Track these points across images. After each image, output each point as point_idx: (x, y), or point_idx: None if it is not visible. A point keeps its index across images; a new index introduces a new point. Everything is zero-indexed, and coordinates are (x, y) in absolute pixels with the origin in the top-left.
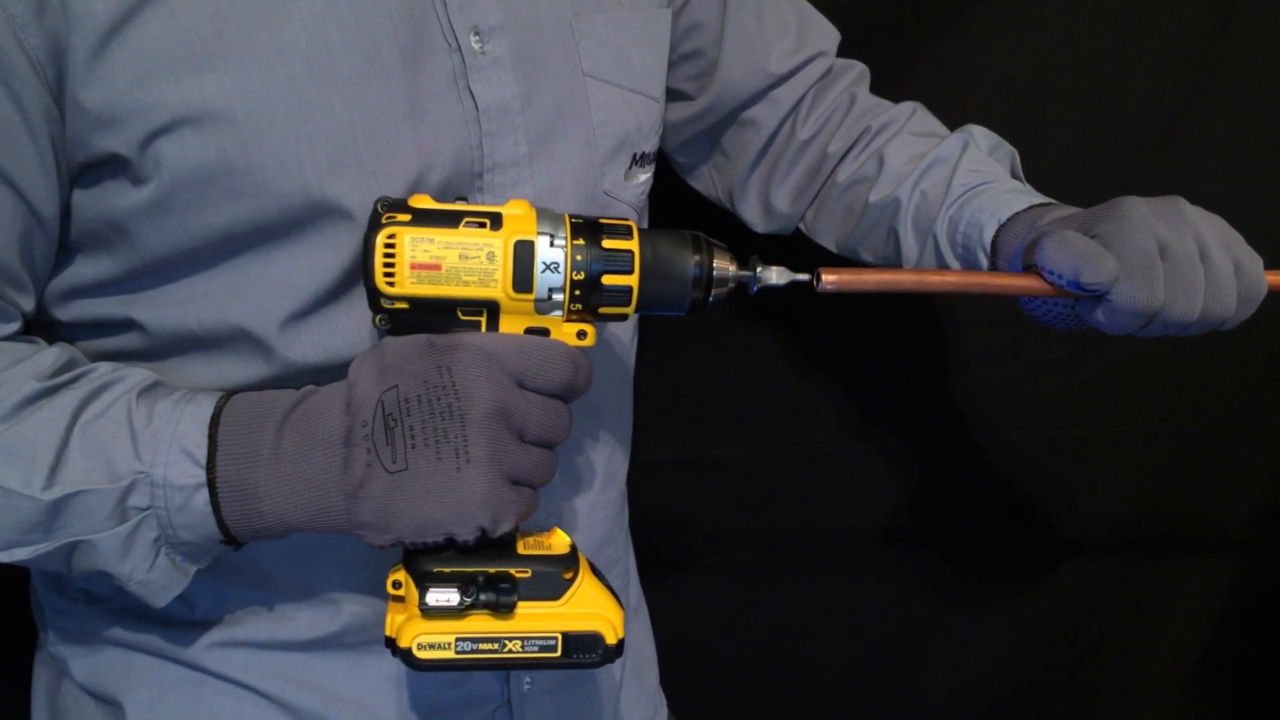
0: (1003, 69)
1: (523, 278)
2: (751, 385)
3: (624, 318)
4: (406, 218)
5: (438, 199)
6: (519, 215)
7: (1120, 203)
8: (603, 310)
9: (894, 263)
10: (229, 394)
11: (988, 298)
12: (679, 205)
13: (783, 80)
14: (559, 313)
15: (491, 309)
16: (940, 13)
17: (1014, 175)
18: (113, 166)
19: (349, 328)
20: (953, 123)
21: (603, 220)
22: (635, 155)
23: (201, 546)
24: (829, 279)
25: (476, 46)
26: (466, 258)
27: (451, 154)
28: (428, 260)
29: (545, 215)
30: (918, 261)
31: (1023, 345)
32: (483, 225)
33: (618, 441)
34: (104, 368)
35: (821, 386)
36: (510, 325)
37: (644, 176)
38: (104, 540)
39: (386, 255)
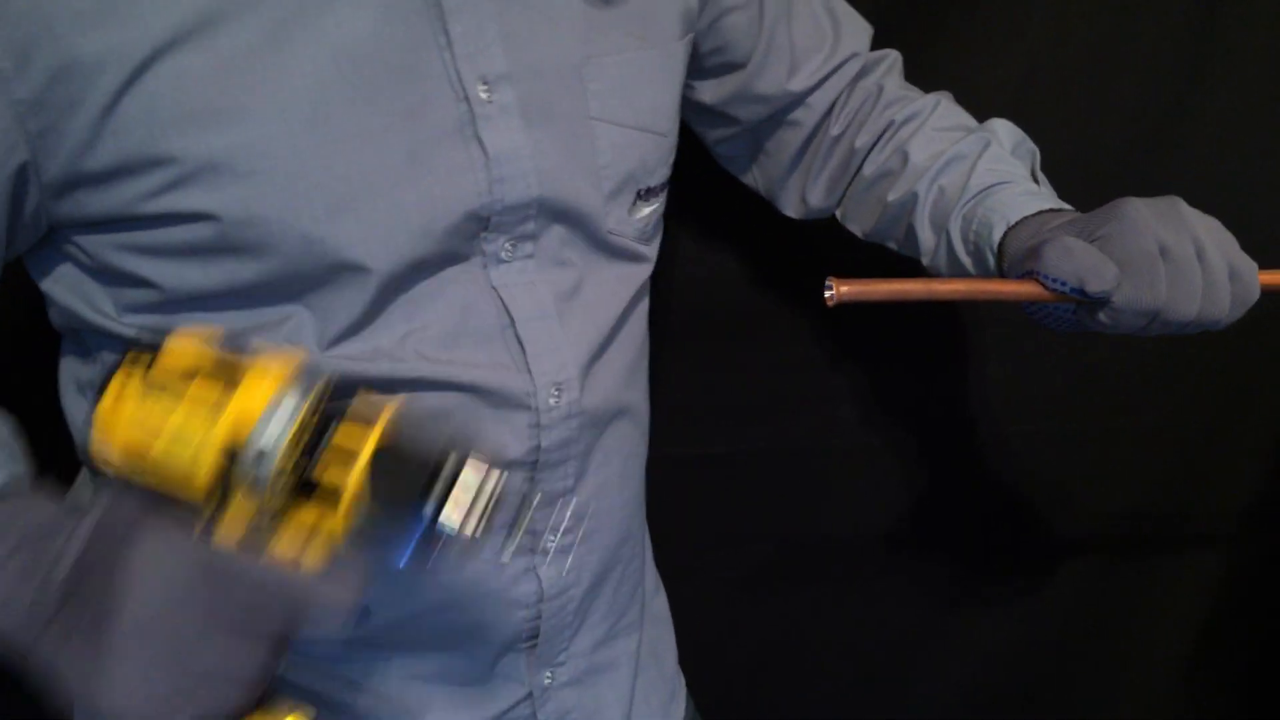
0: (993, 73)
1: (223, 489)
2: (757, 382)
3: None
4: (139, 375)
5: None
6: (251, 393)
7: (1121, 204)
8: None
9: (914, 255)
10: None
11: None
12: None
13: (816, 88)
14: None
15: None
16: (931, 16)
17: (1033, 175)
18: (119, 219)
19: (364, 355)
20: None
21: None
22: (640, 191)
23: None
24: (843, 289)
25: (484, 96)
26: (172, 453)
27: (459, 201)
28: (137, 440)
29: (279, 407)
30: (934, 254)
31: (1020, 341)
32: (207, 408)
33: (638, 441)
34: None
35: (823, 384)
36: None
37: (648, 209)
38: None
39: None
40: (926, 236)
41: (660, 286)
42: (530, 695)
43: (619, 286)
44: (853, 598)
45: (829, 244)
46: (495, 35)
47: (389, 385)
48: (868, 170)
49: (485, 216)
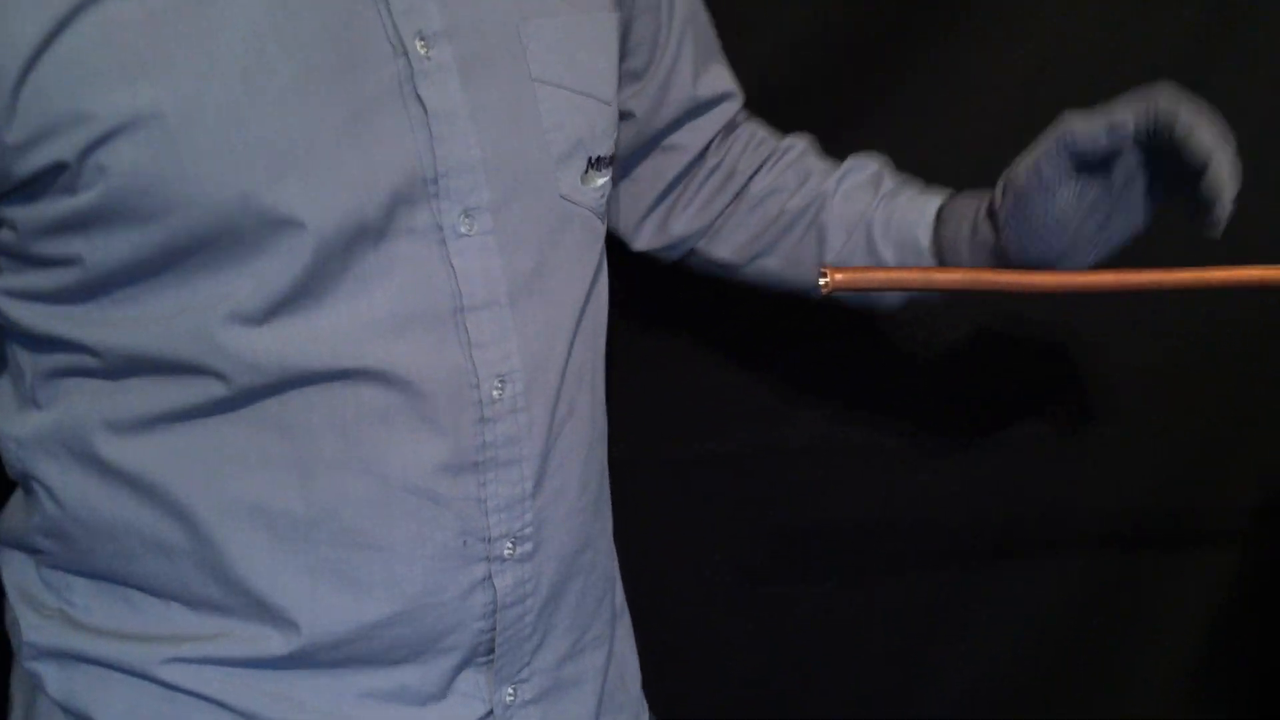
0: (1002, 68)
1: None
2: (751, 381)
3: None
4: None
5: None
6: None
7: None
8: None
9: (800, 261)
10: None
11: (987, 295)
12: None
13: (706, 108)
14: None
15: None
16: (939, 12)
17: None
18: (53, 175)
19: (306, 338)
20: (955, 123)
21: None
22: (591, 159)
23: None
24: (837, 277)
25: (422, 51)
26: None
27: (400, 160)
28: None
29: None
30: (839, 251)
31: (1019, 342)
32: None
33: (596, 442)
34: None
35: (817, 383)
36: None
37: (601, 180)
38: None
39: None
40: (836, 234)
41: (652, 284)
42: (491, 713)
43: (578, 269)
44: (850, 600)
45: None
46: None
47: (328, 377)
48: (757, 187)
49: (429, 179)
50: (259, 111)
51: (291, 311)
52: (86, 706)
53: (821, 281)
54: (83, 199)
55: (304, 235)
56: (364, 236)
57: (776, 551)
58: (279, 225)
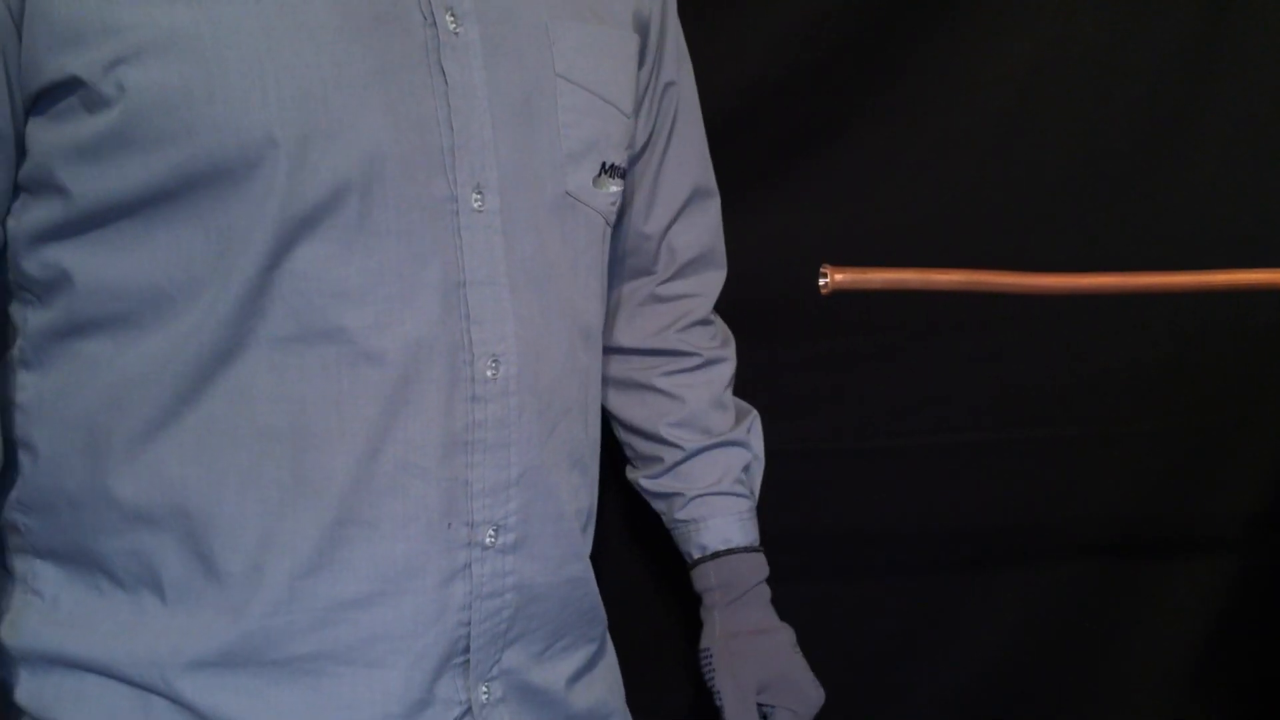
0: (998, 69)
1: None
2: (747, 382)
3: None
4: None
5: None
6: None
7: None
8: None
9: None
10: None
11: (987, 297)
12: None
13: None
14: None
15: None
16: (936, 12)
17: None
18: (71, 93)
19: (314, 287)
20: (946, 126)
21: None
22: (605, 164)
23: None
24: (838, 277)
25: (451, 26)
26: None
27: (417, 122)
28: None
29: None
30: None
31: (1013, 345)
32: None
33: (589, 453)
34: None
35: (811, 386)
36: None
37: (614, 188)
38: None
39: None
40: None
41: None
42: (469, 711)
43: (581, 268)
44: (845, 600)
45: (826, 241)
46: None
47: (327, 336)
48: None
49: (445, 148)
50: (292, 41)
51: (302, 255)
52: (58, 715)
53: (821, 282)
54: (102, 120)
55: (316, 173)
56: (380, 188)
57: (766, 552)
58: (294, 159)
